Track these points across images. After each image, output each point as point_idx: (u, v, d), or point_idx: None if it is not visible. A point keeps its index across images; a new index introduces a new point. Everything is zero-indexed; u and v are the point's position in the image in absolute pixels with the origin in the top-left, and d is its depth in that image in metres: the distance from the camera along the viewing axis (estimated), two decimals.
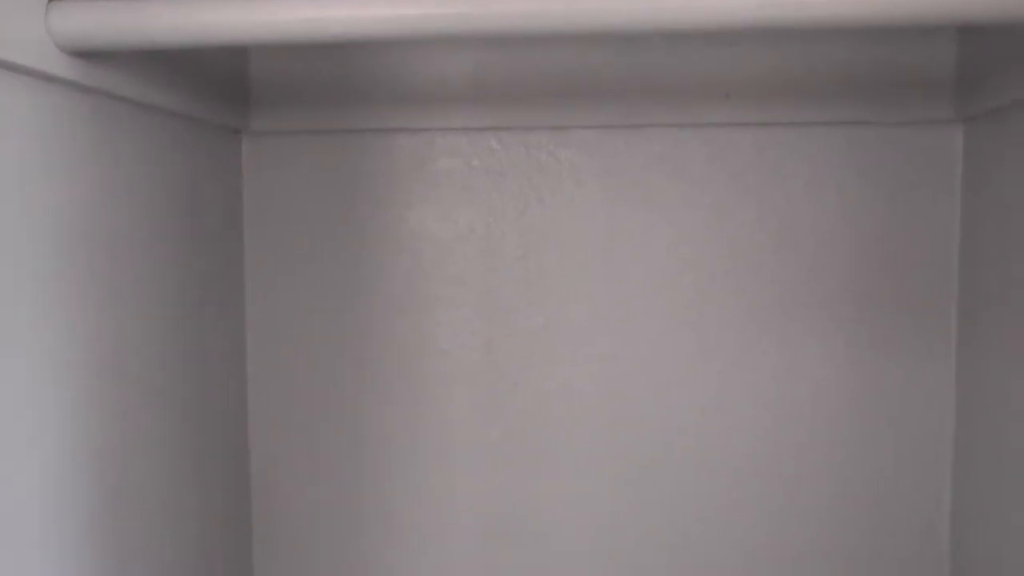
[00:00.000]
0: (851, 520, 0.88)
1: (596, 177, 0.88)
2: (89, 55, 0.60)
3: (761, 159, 0.87)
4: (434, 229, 0.90)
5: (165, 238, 0.75)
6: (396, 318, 0.90)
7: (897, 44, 0.85)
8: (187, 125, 0.80)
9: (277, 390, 0.92)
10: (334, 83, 0.90)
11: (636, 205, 0.88)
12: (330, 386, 0.92)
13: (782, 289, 0.87)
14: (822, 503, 0.88)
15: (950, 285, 0.85)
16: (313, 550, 0.93)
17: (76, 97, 0.62)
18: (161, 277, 0.75)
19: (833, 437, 0.87)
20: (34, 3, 0.55)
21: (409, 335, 0.90)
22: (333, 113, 0.90)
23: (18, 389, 0.56)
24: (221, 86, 0.85)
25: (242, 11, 0.57)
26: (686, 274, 0.88)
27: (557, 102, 0.87)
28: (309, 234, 0.91)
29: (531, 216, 0.89)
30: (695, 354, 0.88)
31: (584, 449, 0.90)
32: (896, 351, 0.86)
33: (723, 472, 0.89)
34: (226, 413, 0.89)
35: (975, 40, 0.81)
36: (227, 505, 0.89)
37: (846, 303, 0.87)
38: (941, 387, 0.86)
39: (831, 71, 0.85)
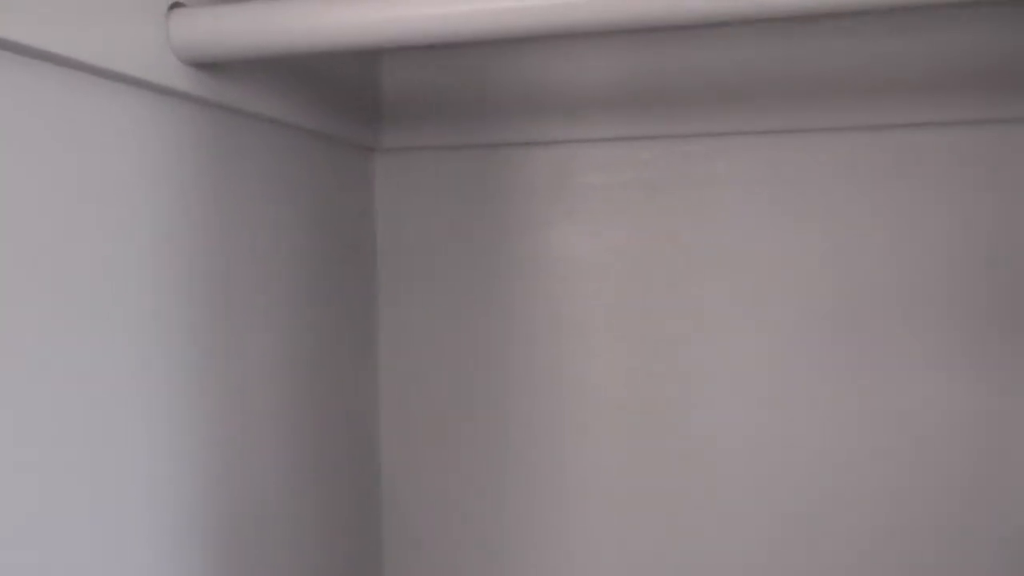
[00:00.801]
0: None
1: (762, 189, 0.78)
2: (213, 67, 0.56)
3: (964, 164, 0.74)
4: (578, 250, 0.82)
5: (296, 255, 0.71)
6: (536, 346, 0.83)
7: None
8: (318, 142, 0.76)
9: (409, 413, 0.86)
10: (469, 96, 0.83)
11: (810, 221, 0.77)
12: (464, 413, 0.85)
13: (994, 316, 0.74)
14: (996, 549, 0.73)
15: None
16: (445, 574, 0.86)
17: (202, 112, 0.58)
18: (292, 294, 0.71)
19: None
20: (154, 12, 0.51)
21: (549, 365, 0.82)
22: (468, 127, 0.83)
23: (147, 401, 0.52)
24: (353, 103, 0.81)
25: (371, 11, 0.51)
26: (874, 303, 0.76)
27: (715, 106, 0.78)
28: (444, 254, 0.85)
29: (688, 235, 0.79)
30: (878, 397, 0.76)
31: (741, 501, 0.79)
32: None
33: (895, 518, 0.75)
34: (358, 436, 0.83)
35: None
36: (358, 522, 0.83)
37: None
38: None
39: None
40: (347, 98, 0.79)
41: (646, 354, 0.80)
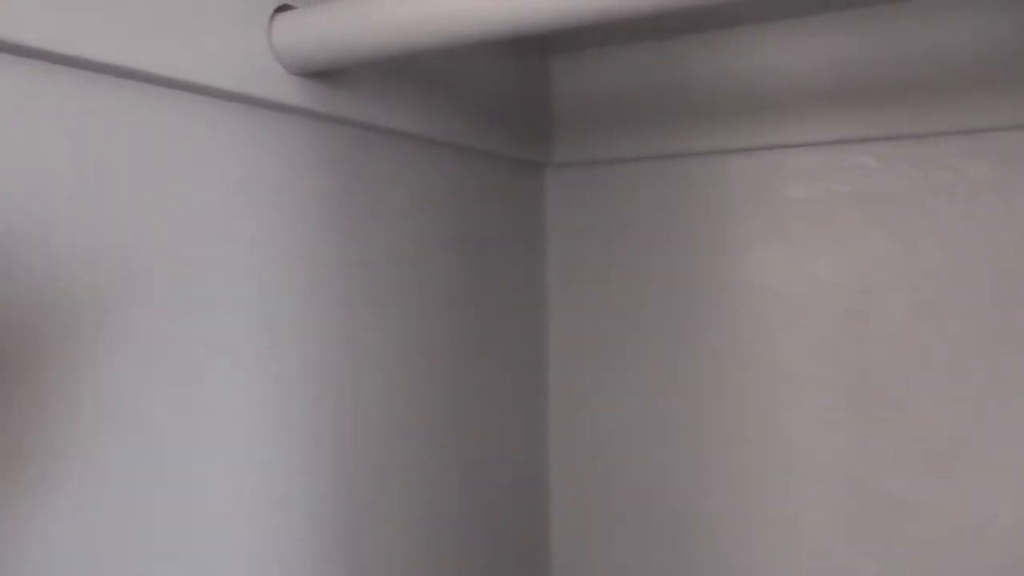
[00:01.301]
0: None
1: None
2: (332, 76, 0.49)
3: None
4: (782, 279, 0.67)
5: (455, 280, 0.64)
6: (727, 393, 0.69)
7: None
8: (476, 159, 0.68)
9: (580, 456, 0.76)
10: (650, 100, 0.72)
11: None
12: (641, 465, 0.73)
13: None
14: None
15: None
16: None
17: (325, 128, 0.52)
18: (454, 320, 0.64)
19: None
20: (255, 18, 0.45)
21: (744, 418, 0.68)
22: (650, 136, 0.72)
23: (293, 420, 0.46)
24: (518, 115, 0.72)
25: None
26: None
27: (962, 96, 0.60)
28: (622, 279, 0.74)
29: (926, 260, 0.62)
30: None
31: None
32: None
33: None
34: (525, 470, 0.74)
35: None
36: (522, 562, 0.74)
37: None
38: None
39: None
40: (510, 110, 0.71)
41: (865, 413, 0.64)
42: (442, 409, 0.64)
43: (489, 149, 0.68)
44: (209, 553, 0.45)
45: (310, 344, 0.51)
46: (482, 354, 0.69)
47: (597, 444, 0.75)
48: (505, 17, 0.41)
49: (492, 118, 0.68)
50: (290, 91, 0.47)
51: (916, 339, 0.62)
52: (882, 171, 0.63)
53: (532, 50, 0.74)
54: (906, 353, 0.62)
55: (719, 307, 0.69)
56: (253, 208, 0.47)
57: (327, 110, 0.50)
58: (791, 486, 0.66)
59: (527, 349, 0.75)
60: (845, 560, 0.65)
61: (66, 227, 0.38)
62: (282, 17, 0.45)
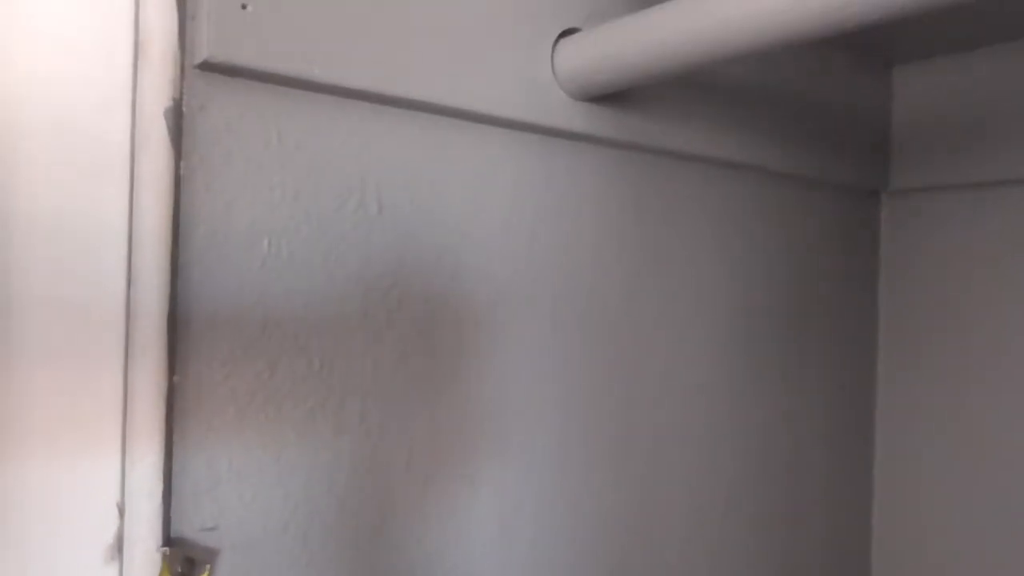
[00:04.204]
0: None
1: None
2: (618, 99, 0.47)
3: None
4: None
5: (766, 319, 0.60)
6: None
7: None
8: (801, 186, 0.62)
9: (906, 511, 0.65)
10: (1002, 121, 0.60)
11: None
12: (971, 533, 0.60)
13: None
14: None
15: None
16: None
17: (630, 157, 0.50)
18: (761, 363, 0.60)
19: None
20: (540, 45, 0.44)
21: None
22: (1008, 158, 0.60)
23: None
24: (847, 135, 0.64)
25: None
26: None
27: None
28: (969, 327, 0.63)
29: None
30: None
31: None
32: None
33: None
34: (846, 518, 0.65)
35: None
36: None
37: None
38: None
39: None
40: (836, 127, 0.63)
41: None
42: (759, 452, 0.59)
43: (810, 174, 0.61)
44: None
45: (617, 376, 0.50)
46: (797, 414, 0.62)
47: (924, 495, 0.64)
48: (795, 18, 0.36)
49: (813, 137, 0.61)
50: (574, 117, 0.46)
51: None
52: None
53: (871, 56, 0.65)
54: None
55: None
56: (543, 233, 0.47)
57: (615, 135, 0.48)
58: None
59: (851, 412, 0.66)
60: None
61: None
62: (566, 41, 0.44)
